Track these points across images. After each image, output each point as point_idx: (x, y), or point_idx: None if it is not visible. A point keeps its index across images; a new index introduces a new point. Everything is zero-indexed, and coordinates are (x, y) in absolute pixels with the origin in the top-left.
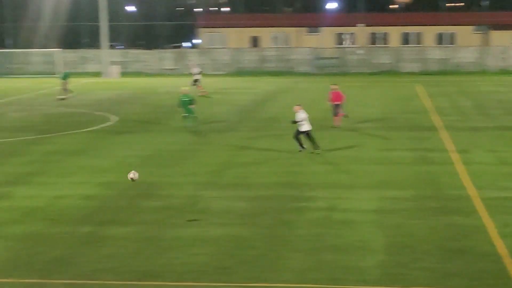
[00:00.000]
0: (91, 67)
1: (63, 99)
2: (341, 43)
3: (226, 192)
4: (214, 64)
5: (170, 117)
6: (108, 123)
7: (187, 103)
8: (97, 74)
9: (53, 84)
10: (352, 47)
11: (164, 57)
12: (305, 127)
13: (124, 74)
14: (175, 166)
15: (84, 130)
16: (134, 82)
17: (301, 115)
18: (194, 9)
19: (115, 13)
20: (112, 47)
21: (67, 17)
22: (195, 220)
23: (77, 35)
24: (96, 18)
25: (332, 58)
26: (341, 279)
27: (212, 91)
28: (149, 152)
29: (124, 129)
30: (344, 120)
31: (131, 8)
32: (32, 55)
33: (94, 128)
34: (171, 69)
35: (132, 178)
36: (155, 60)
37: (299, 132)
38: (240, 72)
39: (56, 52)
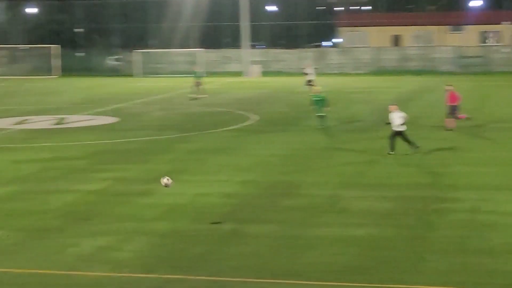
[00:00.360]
0: (232, 67)
1: (197, 98)
2: (485, 42)
3: (367, 192)
4: (354, 63)
5: (310, 117)
6: (248, 122)
7: (319, 103)
8: (238, 74)
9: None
10: (497, 45)
11: (304, 57)
12: (400, 127)
13: (264, 73)
14: (316, 165)
15: (225, 128)
16: (274, 81)
17: (396, 114)
18: (335, 8)
19: (256, 13)
20: (253, 46)
21: (209, 17)
22: (219, 222)
23: (218, 35)
24: (237, 18)
25: (476, 56)
26: (487, 283)
27: (353, 91)
28: (289, 151)
29: (264, 128)
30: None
31: (272, 8)
32: (175, 55)
33: (235, 127)
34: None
35: (166, 184)
36: (295, 59)
37: (396, 133)
38: (381, 71)
39: (199, 52)
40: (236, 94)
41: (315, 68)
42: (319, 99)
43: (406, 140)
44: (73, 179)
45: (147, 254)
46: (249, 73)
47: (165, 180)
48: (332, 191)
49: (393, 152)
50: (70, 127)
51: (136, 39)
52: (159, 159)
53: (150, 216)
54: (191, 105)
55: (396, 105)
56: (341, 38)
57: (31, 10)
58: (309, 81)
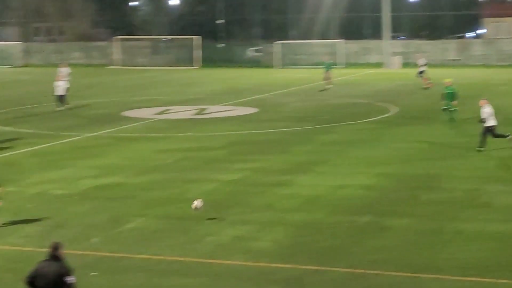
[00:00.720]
0: (372, 58)
1: (325, 89)
2: None
3: (510, 187)
4: (499, 54)
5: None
6: (387, 114)
7: (449, 96)
8: (378, 65)
9: (334, 75)
10: None
11: (446, 48)
12: (491, 122)
13: (405, 64)
14: (457, 158)
15: (364, 120)
16: (415, 73)
17: (487, 109)
18: None
19: (398, 4)
20: (393, 37)
21: (349, 8)
22: (214, 218)
23: (359, 25)
24: (378, 9)
25: None
26: None
27: (496, 83)
28: (428, 144)
29: (403, 121)
30: None
31: None
32: (314, 46)
33: (374, 118)
34: (453, 60)
35: (196, 207)
36: (437, 50)
37: (487, 129)
38: None
39: (338, 43)
40: (376, 86)
41: (456, 59)
42: (449, 92)
43: (497, 136)
44: (212, 169)
45: (284, 245)
46: (389, 65)
47: (196, 203)
48: (473, 185)
49: (482, 149)
50: (211, 118)
51: (276, 30)
52: (297, 150)
53: (287, 207)
54: (330, 97)
55: (486, 99)
56: (485, 29)
57: (174, 1)
58: (421, 72)
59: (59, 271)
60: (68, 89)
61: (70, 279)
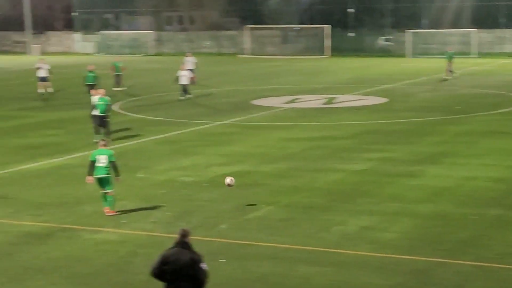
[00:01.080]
0: (507, 48)
1: (447, 79)
2: None
3: None
4: None
5: None
6: None
7: None
8: None
9: (466, 64)
10: None
11: None
12: None
13: None
14: None
15: (496, 111)
16: None
17: None
18: None
19: None
20: None
21: None
22: (253, 205)
23: (493, 14)
24: None
25: None
26: None
27: None
28: None
29: None
30: None
31: None
32: (446, 35)
33: (506, 110)
34: None
35: (228, 184)
36: None
37: None
38: None
39: (472, 32)
40: (510, 76)
41: None
42: None
43: None
44: (340, 158)
45: (411, 236)
46: None
47: (228, 180)
48: None
49: None
50: (339, 107)
51: (408, 19)
52: (426, 140)
53: (415, 198)
54: (461, 87)
55: None
56: None
57: None
58: None
59: (193, 258)
60: (192, 79)
61: (204, 265)
